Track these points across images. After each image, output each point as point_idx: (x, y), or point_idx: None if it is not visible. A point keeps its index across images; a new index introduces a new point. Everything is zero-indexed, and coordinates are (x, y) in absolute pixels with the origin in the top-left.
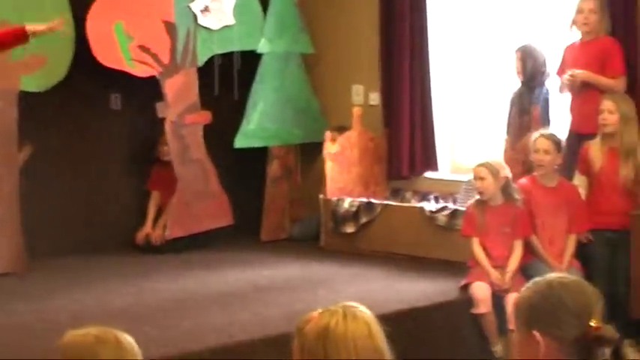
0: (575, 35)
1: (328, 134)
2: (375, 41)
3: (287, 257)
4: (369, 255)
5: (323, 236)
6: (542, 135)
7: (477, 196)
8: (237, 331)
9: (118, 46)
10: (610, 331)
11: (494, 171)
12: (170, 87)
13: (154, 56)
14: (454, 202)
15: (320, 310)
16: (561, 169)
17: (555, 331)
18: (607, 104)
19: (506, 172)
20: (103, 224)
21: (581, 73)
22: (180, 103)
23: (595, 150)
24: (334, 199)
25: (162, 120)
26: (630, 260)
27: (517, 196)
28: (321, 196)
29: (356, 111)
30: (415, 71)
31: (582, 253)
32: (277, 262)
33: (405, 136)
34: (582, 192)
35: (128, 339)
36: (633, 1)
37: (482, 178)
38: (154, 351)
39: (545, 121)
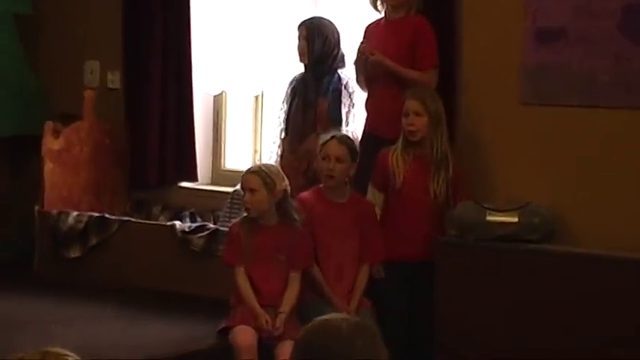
0: (380, 12)
1: (49, 125)
2: (117, 4)
3: None
4: (99, 288)
5: (37, 261)
6: (334, 138)
7: (245, 213)
8: None
9: None
10: None
11: (268, 181)
12: None
13: None
14: (215, 220)
15: (14, 358)
16: (352, 181)
17: None
18: (413, 105)
19: (285, 183)
20: None
21: (377, 54)
22: None
23: (396, 159)
24: (55, 212)
25: None
26: (435, 299)
27: (296, 215)
28: (36, 207)
29: (88, 95)
30: (171, 47)
31: (375, 290)
32: None
33: (154, 132)
34: (378, 212)
35: None
36: None
37: (252, 190)
38: None
39: (336, 118)
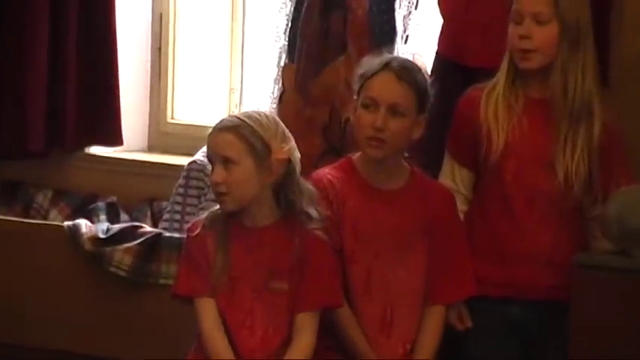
0: None
1: None
2: None
3: None
4: None
5: None
6: (388, 67)
7: (216, 205)
8: None
9: None
10: None
11: (257, 145)
12: None
13: None
14: (156, 218)
15: None
16: (415, 151)
17: None
18: (531, 1)
19: (289, 148)
20: None
21: None
22: None
23: (494, 107)
24: None
25: None
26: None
27: (311, 209)
28: None
29: None
30: None
31: (456, 352)
32: None
33: (41, 55)
34: (461, 207)
35: None
36: None
37: (228, 162)
38: None
39: (383, 29)
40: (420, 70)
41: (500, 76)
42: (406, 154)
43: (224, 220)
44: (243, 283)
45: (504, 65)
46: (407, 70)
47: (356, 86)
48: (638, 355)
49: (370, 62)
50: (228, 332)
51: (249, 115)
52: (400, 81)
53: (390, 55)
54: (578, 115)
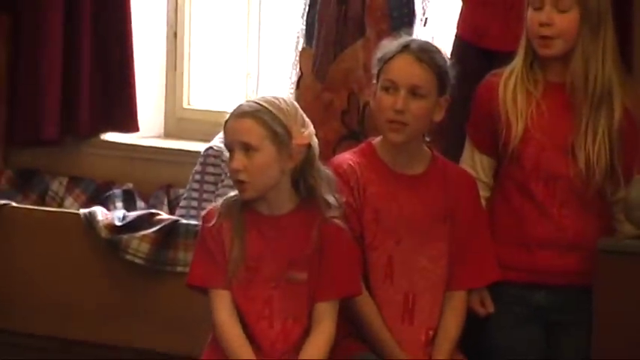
0: None
1: None
2: None
3: None
4: None
5: None
6: (407, 49)
7: (232, 192)
8: None
9: None
10: None
11: (278, 130)
12: None
13: None
14: (172, 205)
15: None
16: (437, 135)
17: None
18: None
19: (308, 133)
20: None
21: None
22: None
23: (512, 93)
24: None
25: None
26: (593, 350)
27: (331, 196)
28: None
29: None
30: None
31: (478, 339)
32: None
33: (56, 39)
34: (483, 193)
35: None
36: None
37: (247, 148)
38: None
39: (402, 12)
40: (439, 51)
41: (518, 61)
42: (427, 139)
43: (240, 208)
44: (261, 273)
45: (521, 50)
46: (426, 51)
47: (375, 69)
48: None
49: (389, 45)
50: (246, 324)
51: (267, 100)
52: (420, 62)
53: (408, 38)
54: (599, 100)
